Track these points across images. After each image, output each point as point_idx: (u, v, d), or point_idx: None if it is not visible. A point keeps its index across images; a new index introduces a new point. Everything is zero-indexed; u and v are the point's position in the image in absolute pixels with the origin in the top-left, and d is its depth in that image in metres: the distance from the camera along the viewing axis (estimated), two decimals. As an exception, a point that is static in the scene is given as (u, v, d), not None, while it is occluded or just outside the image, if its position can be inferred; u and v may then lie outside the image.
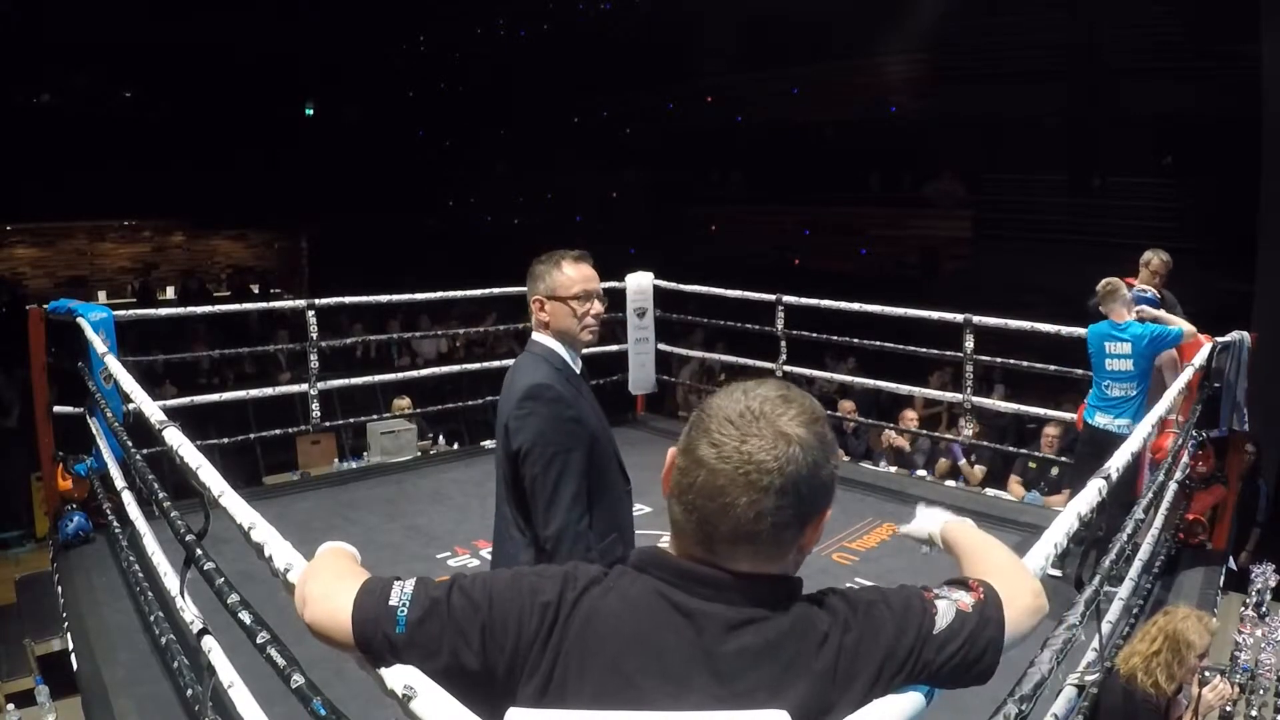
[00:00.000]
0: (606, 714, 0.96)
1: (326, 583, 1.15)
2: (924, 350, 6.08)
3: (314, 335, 5.53)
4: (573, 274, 2.24)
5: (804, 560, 1.07)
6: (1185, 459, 4.44)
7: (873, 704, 1.01)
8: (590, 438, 2.17)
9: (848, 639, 1.01)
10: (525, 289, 2.31)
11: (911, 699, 1.04)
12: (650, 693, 0.97)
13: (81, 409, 4.67)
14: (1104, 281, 4.55)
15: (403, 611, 1.05)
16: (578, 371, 2.28)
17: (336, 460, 6.95)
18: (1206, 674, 3.00)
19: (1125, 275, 4.85)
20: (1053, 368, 5.50)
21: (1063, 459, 5.76)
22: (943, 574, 1.22)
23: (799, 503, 0.98)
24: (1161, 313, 4.61)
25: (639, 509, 2.30)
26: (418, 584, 1.08)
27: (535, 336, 2.27)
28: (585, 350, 2.33)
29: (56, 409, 4.72)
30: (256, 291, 15.51)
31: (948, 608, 1.06)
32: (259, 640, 1.72)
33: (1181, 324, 4.49)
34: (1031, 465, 6.05)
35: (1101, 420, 4.48)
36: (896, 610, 1.05)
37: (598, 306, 2.28)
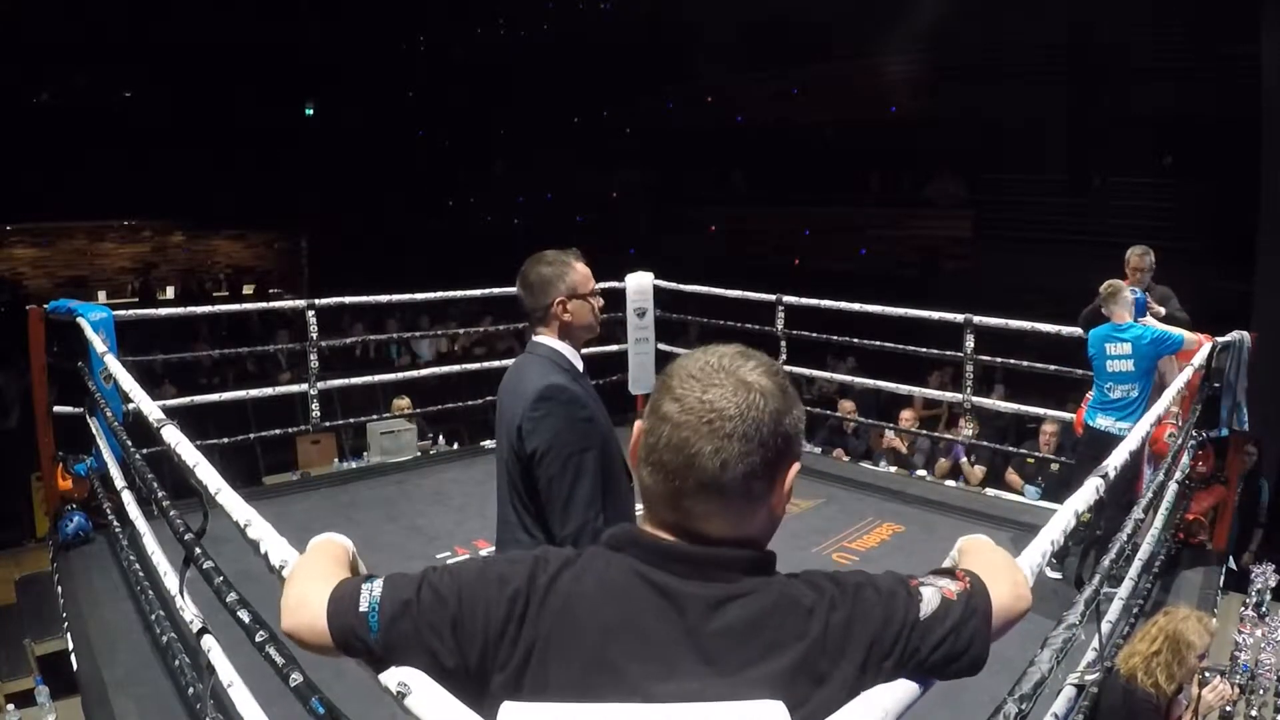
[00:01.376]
0: (600, 707, 0.95)
1: (300, 591, 1.13)
2: (924, 350, 6.08)
3: (314, 335, 5.53)
4: (584, 270, 2.27)
5: (775, 529, 1.05)
6: (1185, 459, 4.44)
7: (867, 693, 1.01)
8: (601, 436, 2.18)
9: (834, 616, 1.00)
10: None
11: (906, 687, 1.04)
12: (636, 677, 0.96)
13: (81, 409, 4.67)
14: (1106, 283, 4.55)
15: (374, 616, 1.04)
16: (581, 370, 2.29)
17: (336, 460, 6.95)
18: (1207, 674, 3.00)
19: (1123, 276, 4.85)
20: (1053, 368, 5.50)
21: (1061, 459, 5.77)
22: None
23: (762, 449, 0.98)
24: (1155, 322, 4.61)
25: (640, 507, 2.30)
26: (387, 584, 1.07)
27: (538, 338, 2.27)
28: (585, 350, 2.34)
29: (56, 409, 4.72)
30: (252, 292, 15.49)
31: (933, 595, 1.06)
32: (258, 639, 1.73)
33: (1184, 332, 4.50)
34: (1029, 462, 6.06)
35: (1104, 423, 4.47)
36: (883, 593, 1.05)
37: (601, 299, 2.34)
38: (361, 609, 1.05)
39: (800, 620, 0.99)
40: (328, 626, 1.07)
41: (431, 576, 1.06)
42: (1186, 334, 4.49)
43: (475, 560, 1.10)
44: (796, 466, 1.02)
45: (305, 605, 1.10)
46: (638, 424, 1.06)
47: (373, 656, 1.06)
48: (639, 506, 1.10)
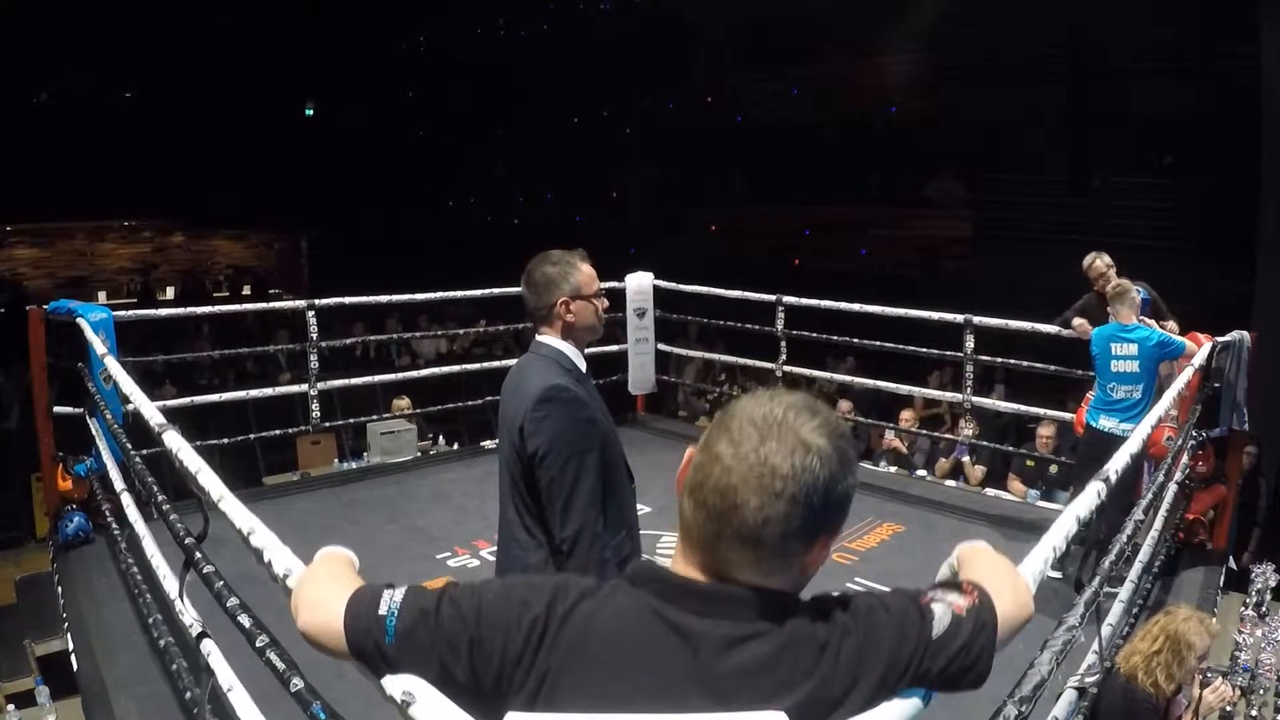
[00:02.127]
0: (604, 716, 0.95)
1: (319, 590, 1.15)
2: (924, 350, 6.08)
3: (314, 335, 5.52)
4: (589, 271, 2.28)
5: (803, 585, 1.04)
6: (1185, 459, 4.43)
7: (872, 711, 1.01)
8: (602, 438, 2.18)
9: (847, 644, 1.00)
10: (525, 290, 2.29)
11: (908, 703, 1.04)
12: (643, 713, 0.95)
13: (81, 409, 4.67)
14: (1114, 283, 4.55)
15: (392, 620, 1.05)
16: (584, 371, 2.29)
17: (336, 460, 6.96)
18: (1208, 674, 3.00)
19: (1139, 277, 4.85)
20: (1053, 368, 5.51)
21: (1060, 459, 5.77)
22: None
23: (809, 514, 0.96)
24: (1154, 323, 4.60)
25: (640, 508, 2.30)
26: (408, 593, 1.07)
27: (541, 339, 2.27)
28: (585, 350, 2.34)
29: (56, 409, 4.72)
30: (249, 292, 15.47)
31: (943, 611, 1.05)
32: (258, 644, 1.72)
33: (1185, 341, 4.50)
34: (1029, 464, 6.06)
35: (1106, 424, 4.46)
36: (895, 615, 1.04)
37: (605, 300, 2.34)
38: (381, 613, 1.06)
39: (813, 657, 0.98)
40: (344, 627, 1.07)
41: (453, 592, 1.07)
42: (1187, 343, 4.49)
43: (496, 581, 1.10)
44: (839, 532, 1.02)
45: (323, 605, 1.10)
46: (690, 450, 1.05)
47: (384, 662, 1.06)
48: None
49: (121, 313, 4.99)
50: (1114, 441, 4.26)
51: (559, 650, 0.99)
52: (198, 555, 2.15)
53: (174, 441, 2.37)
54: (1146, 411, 4.25)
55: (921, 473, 6.45)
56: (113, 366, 3.51)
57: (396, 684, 1.06)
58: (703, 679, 0.96)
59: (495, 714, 1.00)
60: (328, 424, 5.99)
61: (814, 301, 6.29)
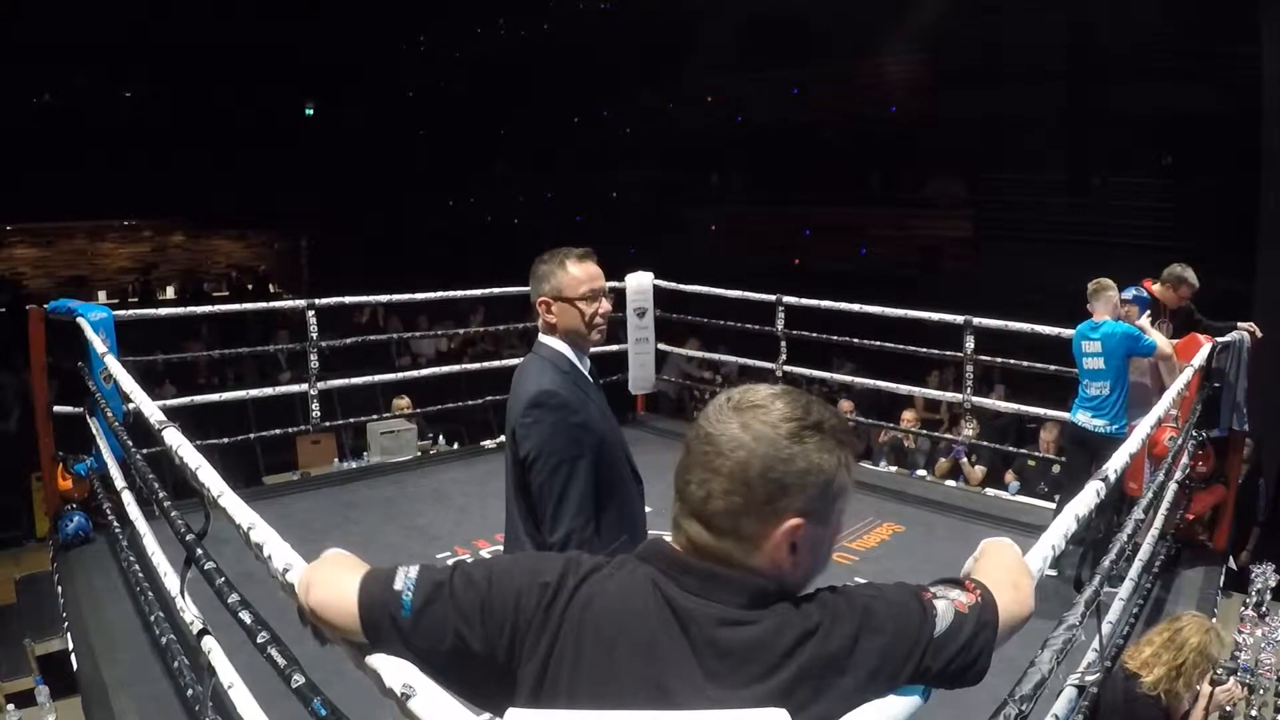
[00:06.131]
0: (605, 714, 0.96)
1: (332, 571, 1.17)
2: (924, 350, 6.08)
3: (314, 335, 5.52)
4: (578, 273, 2.18)
5: (794, 578, 1.04)
6: (1185, 459, 4.44)
7: (870, 704, 1.01)
8: (598, 441, 2.14)
9: (839, 630, 1.00)
10: (528, 288, 2.25)
11: (908, 699, 1.04)
12: (641, 688, 0.98)
13: (81, 409, 4.67)
14: (1094, 281, 4.55)
15: (407, 595, 1.07)
16: (585, 373, 2.25)
17: (336, 460, 6.96)
18: (1219, 672, 3.00)
19: (1139, 276, 4.84)
20: (1053, 368, 5.50)
21: (1062, 459, 5.77)
22: (944, 572, 1.22)
23: (748, 492, 0.99)
24: (1144, 322, 4.57)
25: (645, 508, 2.28)
26: (422, 569, 1.10)
27: (542, 338, 2.24)
28: (589, 350, 2.31)
29: (56, 409, 4.72)
30: (250, 290, 15.47)
31: (946, 609, 1.06)
32: (259, 640, 1.73)
33: (1158, 338, 4.46)
34: (1031, 464, 6.06)
35: (1081, 418, 4.52)
36: (894, 606, 1.05)
37: (605, 305, 2.23)
38: (396, 587, 1.08)
39: (804, 638, 0.99)
40: (357, 602, 1.09)
41: (464, 565, 1.10)
42: (1160, 341, 4.45)
43: (509, 555, 1.13)
44: (796, 522, 1.00)
45: (337, 582, 1.13)
46: None
47: (399, 636, 1.07)
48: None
49: (121, 312, 4.99)
50: (1087, 435, 4.36)
51: (567, 622, 1.02)
52: (199, 552, 2.16)
53: (174, 439, 2.37)
54: (1121, 409, 4.30)
55: (921, 473, 6.45)
56: (113, 365, 3.51)
57: (396, 677, 1.06)
58: (696, 655, 0.99)
59: (507, 681, 1.02)
60: (328, 423, 5.99)
61: (814, 301, 6.28)
